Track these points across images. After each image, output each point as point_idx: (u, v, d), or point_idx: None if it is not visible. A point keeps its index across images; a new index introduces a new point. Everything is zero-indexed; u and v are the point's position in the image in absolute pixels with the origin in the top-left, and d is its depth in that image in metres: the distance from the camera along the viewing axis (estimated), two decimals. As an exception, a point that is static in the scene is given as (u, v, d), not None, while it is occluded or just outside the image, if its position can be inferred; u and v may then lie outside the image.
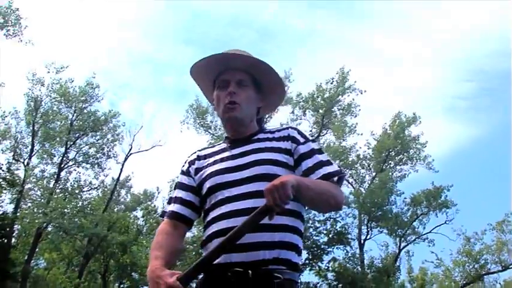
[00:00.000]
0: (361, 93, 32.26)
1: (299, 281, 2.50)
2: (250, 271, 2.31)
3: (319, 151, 2.65)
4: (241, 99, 2.65)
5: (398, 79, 54.25)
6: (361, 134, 34.15)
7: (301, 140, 2.66)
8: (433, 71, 56.49)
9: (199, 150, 2.84)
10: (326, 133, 33.50)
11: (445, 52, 56.25)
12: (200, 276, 2.46)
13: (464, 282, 34.82)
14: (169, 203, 2.76)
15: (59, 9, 51.82)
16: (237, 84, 2.66)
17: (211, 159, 2.69)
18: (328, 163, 2.59)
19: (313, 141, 2.73)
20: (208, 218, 2.54)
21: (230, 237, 2.20)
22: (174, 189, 2.79)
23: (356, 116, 32.97)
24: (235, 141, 2.70)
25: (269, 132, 2.75)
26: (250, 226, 2.20)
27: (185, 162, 2.82)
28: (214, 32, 61.88)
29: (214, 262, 2.31)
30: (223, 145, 2.77)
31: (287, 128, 2.75)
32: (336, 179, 2.55)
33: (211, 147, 2.84)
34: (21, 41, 26.55)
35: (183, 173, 2.79)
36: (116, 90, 60.48)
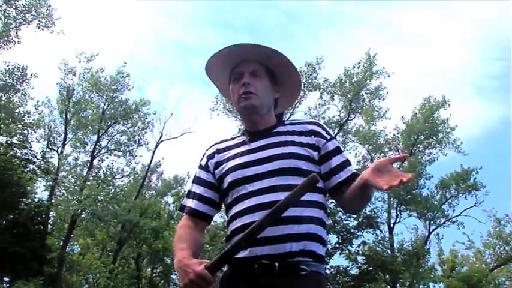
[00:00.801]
0: (389, 76, 32.16)
1: (324, 272, 2.51)
2: (276, 263, 2.32)
3: (341, 149, 2.69)
4: (257, 88, 2.64)
5: (427, 59, 54.11)
6: (390, 119, 34.15)
7: (328, 136, 2.66)
8: (461, 51, 55.76)
9: (218, 143, 2.82)
10: (354, 117, 33.50)
11: (474, 30, 55.54)
12: (225, 269, 2.52)
13: (494, 264, 34.78)
14: (188, 196, 2.76)
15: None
16: (251, 75, 2.65)
17: (232, 153, 2.67)
18: (350, 163, 2.65)
19: (335, 137, 2.74)
20: (232, 213, 2.54)
21: (254, 228, 2.21)
22: (193, 183, 2.78)
23: (384, 99, 32.82)
24: (255, 134, 2.68)
25: (289, 124, 2.73)
26: (279, 214, 2.22)
27: (203, 156, 2.80)
28: (241, 14, 61.71)
29: (240, 256, 2.35)
30: (242, 138, 2.74)
31: (310, 123, 2.74)
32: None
33: (229, 139, 2.81)
34: (53, 31, 27.07)
35: (201, 167, 2.77)
36: (143, 74, 60.58)
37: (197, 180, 2.75)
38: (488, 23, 56.01)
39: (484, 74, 59.94)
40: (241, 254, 2.37)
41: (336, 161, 2.59)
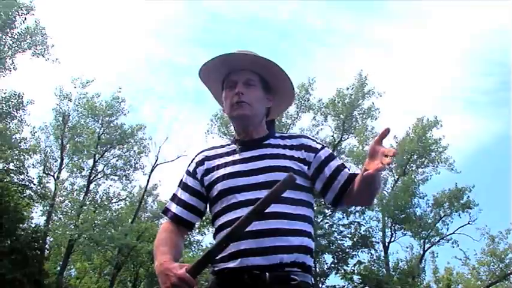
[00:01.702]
0: (380, 96, 32.87)
1: (312, 282, 2.51)
2: (267, 273, 2.33)
3: (334, 156, 2.70)
4: (250, 98, 2.63)
5: (418, 74, 54.31)
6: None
7: (318, 146, 2.67)
8: (452, 66, 56.27)
9: (207, 150, 2.79)
10: (348, 137, 33.92)
11: (463, 46, 56.07)
12: (212, 278, 2.51)
13: (489, 281, 35.00)
14: (172, 200, 2.74)
15: (78, 21, 52.52)
16: (245, 84, 2.64)
17: (222, 161, 2.65)
18: (345, 166, 2.65)
19: (326, 146, 2.74)
20: (220, 222, 2.52)
21: (237, 226, 2.21)
22: (178, 187, 2.76)
23: (376, 118, 33.45)
24: (246, 144, 2.67)
25: (280, 138, 2.72)
26: (261, 211, 2.21)
27: (192, 162, 2.78)
28: (232, 33, 61.50)
29: (230, 266, 2.37)
30: (233, 146, 2.72)
31: (299, 137, 2.74)
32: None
33: (219, 147, 2.79)
34: (48, 59, 27.39)
35: (188, 173, 2.75)
36: (135, 95, 60.80)
37: (183, 186, 2.73)
38: (480, 38, 56.53)
39: (475, 89, 60.42)
40: (232, 264, 2.39)
41: (330, 168, 2.60)
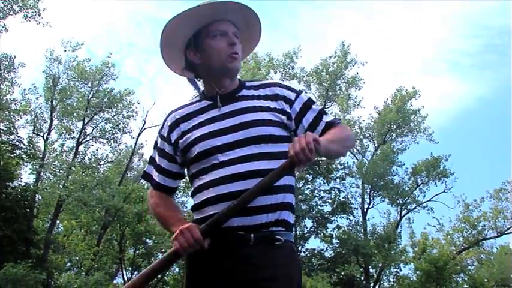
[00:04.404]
0: (363, 65, 33.50)
1: (293, 240, 2.53)
2: (252, 234, 2.33)
3: (311, 101, 2.63)
4: (240, 51, 2.58)
5: (401, 34, 54.28)
6: (364, 107, 35.45)
7: (293, 96, 2.59)
8: (436, 27, 56.21)
9: (178, 110, 2.67)
10: (331, 105, 34.52)
11: (450, 8, 55.90)
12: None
13: (462, 247, 36.27)
14: (151, 163, 2.70)
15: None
16: (234, 36, 2.57)
17: (196, 121, 2.55)
18: (324, 112, 2.62)
19: (300, 91, 2.66)
20: (201, 182, 2.46)
21: (254, 190, 2.23)
22: (155, 150, 2.69)
23: (360, 88, 34.24)
24: (221, 98, 2.56)
25: (252, 87, 2.63)
26: (276, 180, 2.25)
27: (164, 125, 2.67)
28: None
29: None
30: (204, 103, 2.61)
31: (272, 85, 2.65)
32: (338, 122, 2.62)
33: (190, 104, 2.67)
34: (39, 23, 27.69)
35: (163, 138, 2.65)
36: (118, 49, 60.36)
37: (160, 152, 2.66)
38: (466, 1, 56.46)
39: (460, 51, 60.36)
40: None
41: (307, 120, 2.56)
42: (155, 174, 2.66)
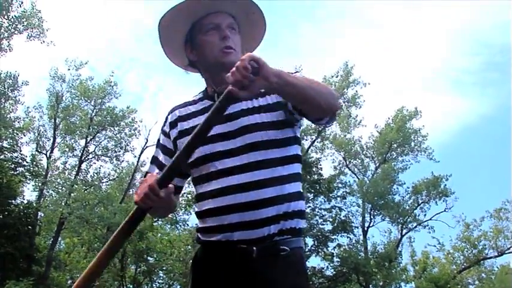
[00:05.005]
0: (365, 85, 33.49)
1: (303, 244, 2.43)
2: (254, 247, 2.22)
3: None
4: (235, 44, 2.43)
5: (403, 52, 54.58)
6: (366, 126, 35.55)
7: None
8: (438, 45, 56.60)
9: (180, 107, 2.58)
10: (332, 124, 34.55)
11: (452, 26, 56.26)
12: (198, 254, 2.43)
13: (463, 266, 36.25)
14: (153, 162, 2.59)
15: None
16: (228, 28, 2.44)
17: (196, 122, 2.41)
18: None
19: (295, 72, 2.37)
20: (201, 190, 2.38)
21: (199, 131, 2.11)
22: (157, 148, 2.60)
23: (361, 107, 34.18)
24: (216, 98, 2.38)
25: None
26: (218, 115, 2.10)
27: (166, 121, 2.59)
28: None
29: (214, 239, 2.30)
30: (205, 102, 2.50)
31: None
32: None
33: (192, 103, 2.57)
34: (43, 42, 28.07)
35: (164, 133, 2.57)
36: (120, 64, 60.35)
37: (162, 149, 2.56)
38: (468, 19, 56.78)
39: (462, 69, 60.82)
40: (215, 238, 2.30)
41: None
42: (156, 171, 2.47)
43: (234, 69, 1.96)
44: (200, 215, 2.39)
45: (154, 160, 2.57)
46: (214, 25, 2.42)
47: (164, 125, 2.58)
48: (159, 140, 2.60)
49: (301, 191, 2.41)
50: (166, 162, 2.47)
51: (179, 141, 2.46)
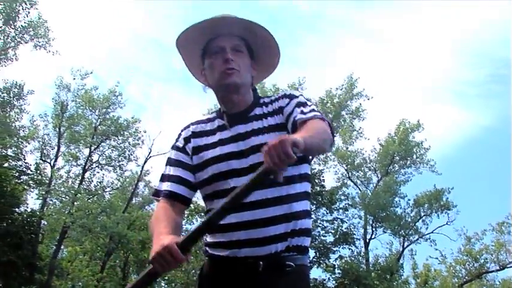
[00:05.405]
0: (369, 99, 33.74)
1: (308, 262, 2.45)
2: (261, 262, 2.25)
3: (302, 104, 2.46)
4: (239, 65, 2.48)
5: (406, 63, 55.28)
6: (369, 139, 35.69)
7: (285, 103, 2.51)
8: (441, 57, 56.55)
9: (193, 125, 2.64)
10: (336, 135, 34.79)
11: (455, 38, 56.36)
12: (204, 267, 2.47)
13: (465, 279, 36.20)
14: (162, 180, 2.56)
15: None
16: (233, 50, 2.49)
17: (210, 140, 2.51)
18: (308, 112, 2.38)
19: (299, 96, 2.55)
20: (213, 206, 2.33)
21: (232, 200, 2.05)
22: (168, 165, 2.58)
23: (364, 119, 34.39)
24: (233, 117, 2.52)
25: (264, 104, 2.57)
26: (252, 189, 2.05)
27: (179, 138, 2.63)
28: (220, 13, 60.46)
29: (221, 254, 2.33)
30: (219, 121, 2.57)
31: (280, 98, 2.57)
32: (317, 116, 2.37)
33: (206, 121, 2.63)
34: (49, 51, 28.33)
35: (178, 149, 2.59)
36: (123, 73, 60.26)
37: (175, 163, 2.56)
38: (471, 31, 56.98)
39: (465, 81, 61.04)
40: (223, 253, 2.33)
41: (291, 118, 2.41)
42: (166, 185, 2.51)
43: (275, 152, 1.91)
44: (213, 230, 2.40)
45: (165, 177, 2.56)
46: (219, 48, 2.49)
47: (177, 141, 2.62)
48: (169, 158, 2.60)
49: (309, 209, 2.46)
50: (179, 173, 2.51)
51: (194, 157, 2.52)
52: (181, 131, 2.64)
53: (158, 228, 2.26)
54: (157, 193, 2.53)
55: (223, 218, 2.10)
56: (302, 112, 2.38)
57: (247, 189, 2.02)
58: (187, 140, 2.58)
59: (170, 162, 2.58)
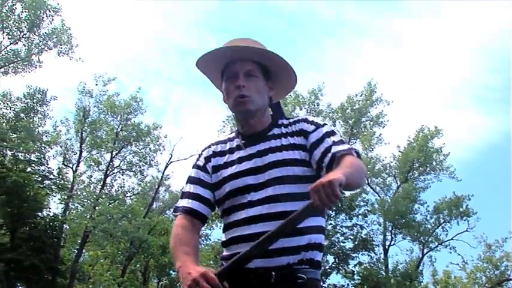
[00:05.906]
0: (388, 104, 33.73)
1: (320, 277, 2.48)
2: (273, 272, 2.29)
3: (331, 133, 2.53)
4: (252, 91, 2.54)
5: (425, 68, 54.59)
6: (388, 143, 35.61)
7: (311, 128, 2.56)
8: (461, 62, 56.42)
9: (214, 145, 2.72)
10: (355, 142, 34.68)
11: (474, 43, 56.14)
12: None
13: (485, 286, 36.00)
14: (182, 197, 2.64)
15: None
16: (246, 76, 2.55)
17: (228, 159, 2.60)
18: (339, 142, 2.46)
19: (324, 125, 2.59)
20: (229, 221, 2.49)
21: (273, 234, 2.13)
22: (189, 183, 2.66)
23: (384, 126, 34.38)
24: (250, 138, 2.60)
25: (283, 125, 2.63)
26: (298, 223, 2.12)
27: (200, 157, 2.71)
28: (241, 19, 60.41)
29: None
30: (237, 141, 2.65)
31: (300, 121, 2.63)
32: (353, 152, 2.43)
33: (225, 141, 2.72)
34: (72, 58, 28.66)
35: (198, 167, 2.67)
36: (144, 77, 60.52)
37: (195, 181, 2.65)
38: (490, 36, 56.73)
39: (485, 85, 60.54)
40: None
41: (319, 151, 2.47)
42: (186, 201, 2.59)
43: (323, 191, 2.00)
44: (225, 243, 2.52)
45: (185, 194, 2.64)
46: (233, 74, 2.58)
47: (198, 160, 2.70)
48: (190, 176, 2.68)
49: (323, 225, 2.50)
50: (199, 192, 2.60)
51: (213, 175, 2.60)
52: (203, 150, 2.73)
53: (183, 256, 2.34)
54: (176, 209, 2.62)
55: (269, 246, 2.19)
56: (334, 143, 2.45)
57: (292, 221, 2.11)
58: (207, 159, 2.66)
59: (191, 180, 2.67)
